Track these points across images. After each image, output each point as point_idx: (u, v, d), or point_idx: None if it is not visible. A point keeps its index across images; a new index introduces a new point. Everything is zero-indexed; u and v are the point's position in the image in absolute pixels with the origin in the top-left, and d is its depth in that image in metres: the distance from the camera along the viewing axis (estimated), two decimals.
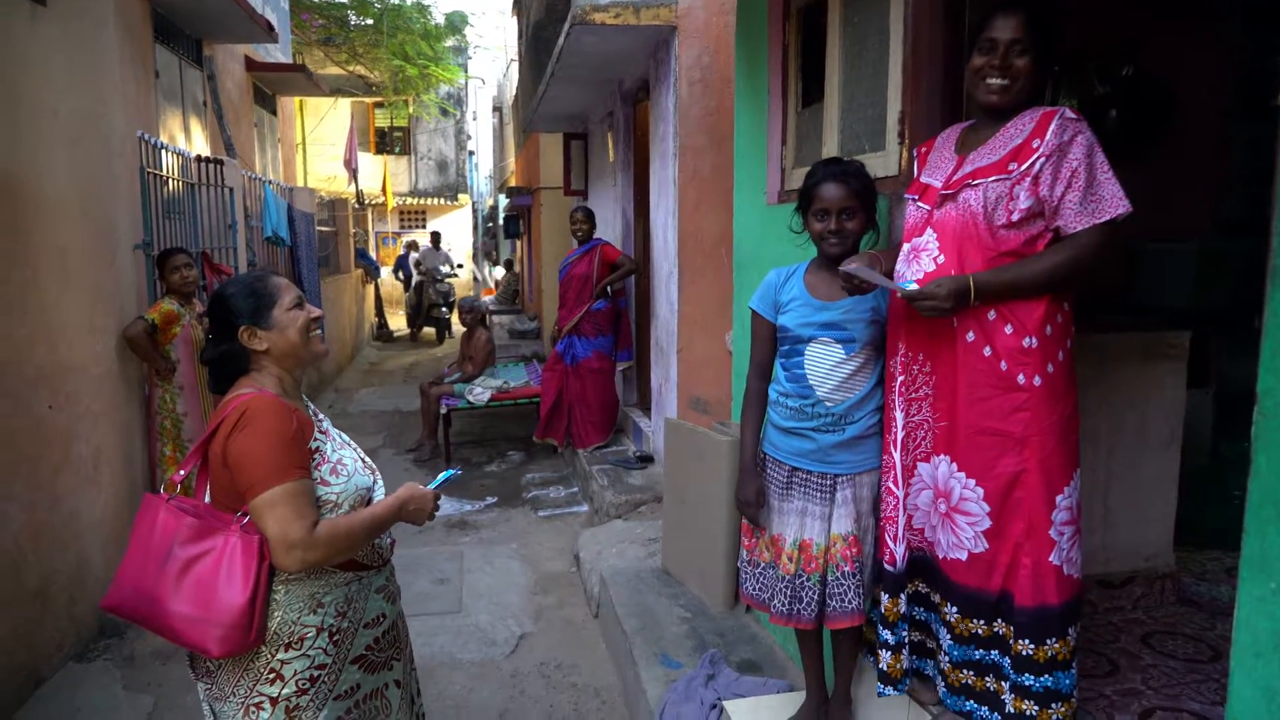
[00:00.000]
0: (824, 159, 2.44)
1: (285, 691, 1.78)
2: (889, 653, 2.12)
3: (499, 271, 18.07)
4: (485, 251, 25.39)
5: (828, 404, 2.22)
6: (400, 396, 9.85)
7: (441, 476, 2.14)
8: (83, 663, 3.67)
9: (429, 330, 15.49)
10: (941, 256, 2.02)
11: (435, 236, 16.26)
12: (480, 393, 6.86)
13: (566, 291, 6.31)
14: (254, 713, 1.78)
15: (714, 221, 4.94)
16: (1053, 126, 1.84)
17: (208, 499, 1.84)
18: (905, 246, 2.14)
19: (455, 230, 23.27)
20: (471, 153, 27.95)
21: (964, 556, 1.98)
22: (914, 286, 1.96)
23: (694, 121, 4.93)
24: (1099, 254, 1.85)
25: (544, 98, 7.41)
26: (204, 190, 5.90)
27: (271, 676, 1.78)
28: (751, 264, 3.66)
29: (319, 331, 1.95)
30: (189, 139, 6.75)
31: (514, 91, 14.45)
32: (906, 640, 2.12)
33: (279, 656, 1.78)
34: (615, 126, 6.79)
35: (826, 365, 2.22)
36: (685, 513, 3.91)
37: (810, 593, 2.25)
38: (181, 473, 1.82)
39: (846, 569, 2.21)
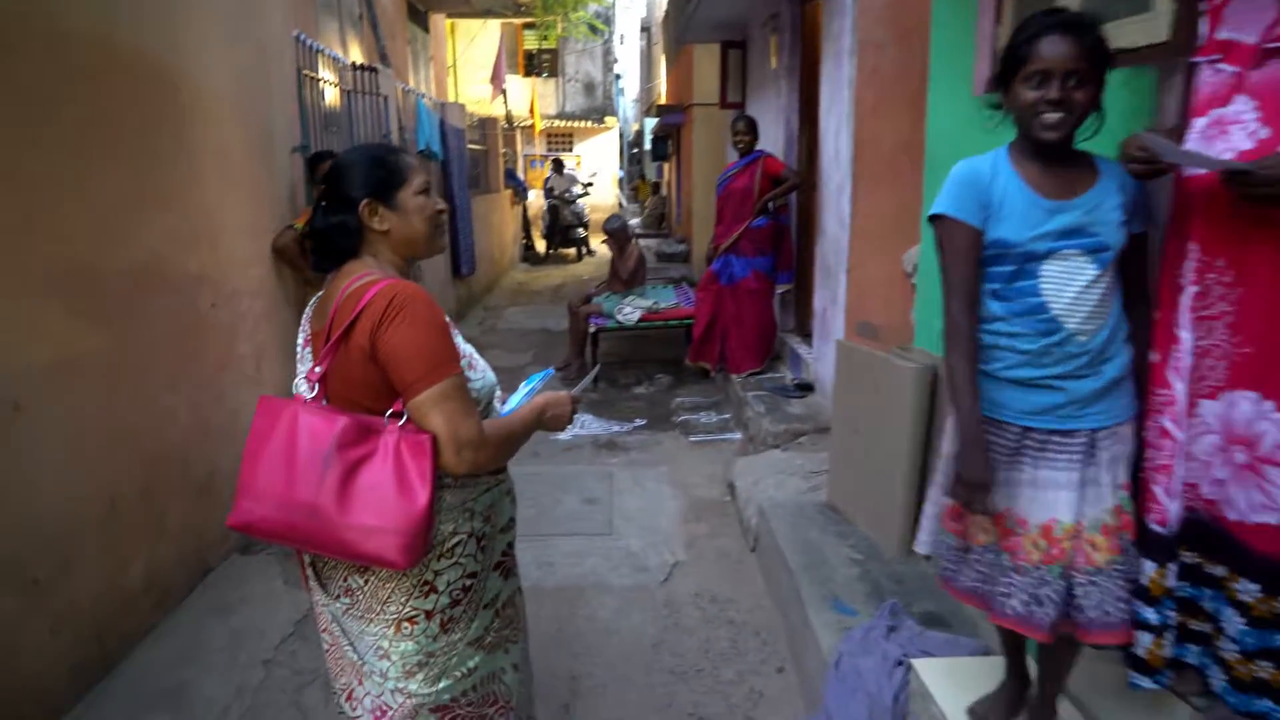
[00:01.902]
0: (1043, 10, 1.81)
1: (441, 603, 1.65)
2: (1150, 635, 1.69)
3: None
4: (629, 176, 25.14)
5: (1080, 339, 1.69)
6: (548, 316, 9.81)
7: (584, 382, 2.04)
8: (246, 555, 3.73)
9: (567, 250, 15.72)
10: (1264, 130, 1.53)
11: (557, 163, 16.21)
12: (630, 312, 6.63)
13: (724, 207, 5.91)
14: (407, 628, 1.63)
15: (895, 125, 4.40)
16: None
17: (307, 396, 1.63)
18: (1199, 122, 1.65)
19: (601, 154, 23.05)
20: (618, 75, 27.54)
21: (1275, 520, 1.53)
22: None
23: (876, 13, 4.37)
24: None
25: (701, 2, 6.92)
26: (359, 99, 5.83)
27: (425, 589, 1.63)
28: (948, 168, 3.17)
29: (443, 226, 1.77)
30: (345, 50, 6.71)
31: (663, 9, 13.89)
32: (1173, 622, 1.70)
33: (433, 567, 1.64)
34: (780, 29, 6.23)
35: (1075, 287, 1.68)
36: (857, 445, 3.54)
37: (1053, 590, 1.72)
38: (319, 369, 1.60)
39: (1109, 556, 1.69)
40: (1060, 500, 1.72)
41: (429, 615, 1.64)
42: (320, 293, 1.71)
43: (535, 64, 23.00)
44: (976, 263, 1.75)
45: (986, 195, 1.73)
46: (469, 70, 17.79)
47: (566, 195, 15.04)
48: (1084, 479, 1.71)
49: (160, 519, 3.16)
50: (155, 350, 3.16)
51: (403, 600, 1.63)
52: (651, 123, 23.80)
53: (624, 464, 5.08)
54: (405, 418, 1.55)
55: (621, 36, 28.69)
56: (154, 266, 3.16)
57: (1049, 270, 1.70)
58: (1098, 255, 1.69)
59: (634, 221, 16.11)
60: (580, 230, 15.31)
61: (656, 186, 17.53)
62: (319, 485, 1.49)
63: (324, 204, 1.66)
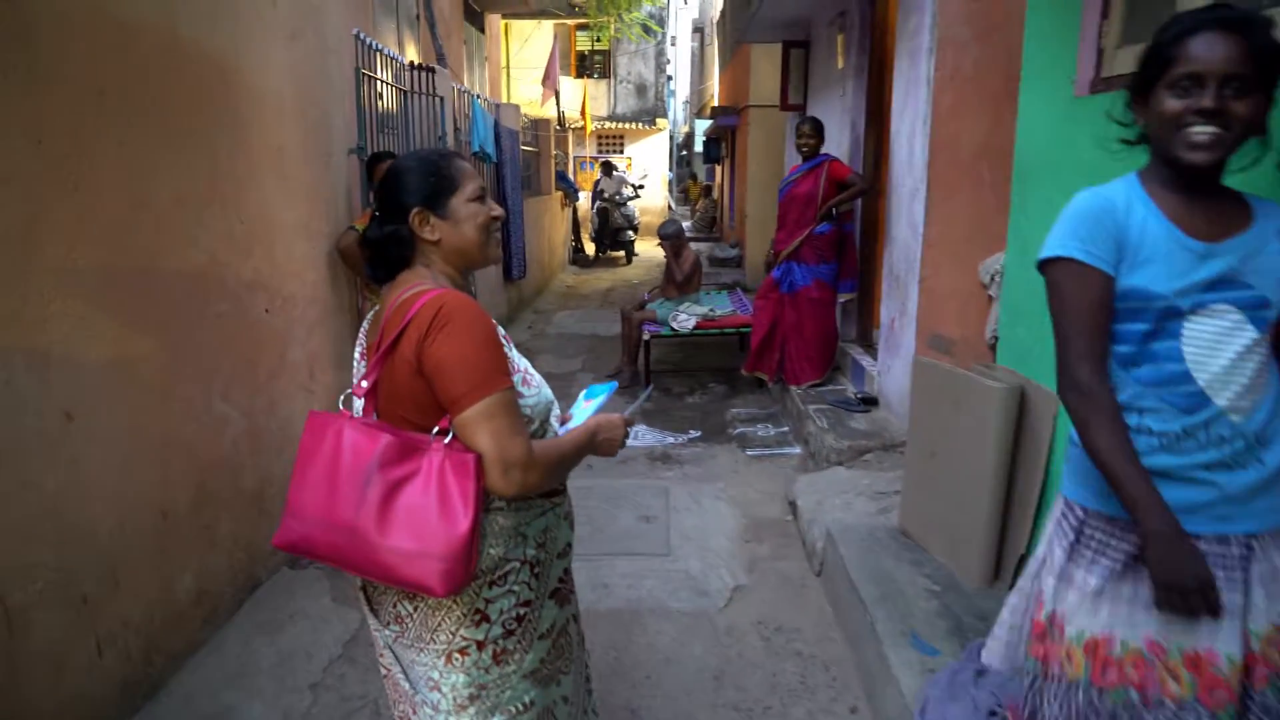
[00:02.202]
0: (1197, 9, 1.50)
1: (493, 633, 1.56)
2: None
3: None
4: (677, 179, 24.96)
5: (1233, 418, 1.40)
6: (598, 321, 9.69)
7: (640, 399, 1.97)
8: (295, 569, 3.65)
9: (616, 253, 15.74)
10: None
11: (607, 165, 16.20)
12: (685, 319, 6.47)
13: (786, 212, 5.71)
14: (458, 659, 1.55)
15: (975, 128, 4.17)
16: None
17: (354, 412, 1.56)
18: None
19: (652, 156, 22.91)
20: (670, 77, 27.40)
21: None
22: None
23: (958, 9, 4.14)
24: None
25: (765, 0, 6.73)
26: (415, 99, 5.75)
27: (476, 618, 1.54)
28: (1041, 174, 2.96)
29: (498, 234, 1.70)
30: (402, 50, 6.65)
31: (718, 9, 13.69)
32: None
33: (484, 595, 1.55)
34: (848, 27, 6.01)
35: (1227, 353, 1.39)
36: (933, 468, 3.32)
37: None
38: (365, 383, 1.52)
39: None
40: (1219, 625, 1.40)
41: (480, 646, 1.55)
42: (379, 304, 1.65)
43: (587, 65, 22.97)
44: (1109, 318, 1.45)
45: (1122, 234, 1.43)
46: (522, 72, 17.79)
47: (616, 198, 15.03)
48: (1247, 598, 1.41)
49: (211, 530, 3.08)
50: (209, 357, 3.08)
51: (453, 629, 1.54)
52: (703, 125, 23.63)
53: (680, 478, 4.92)
54: (452, 435, 1.46)
55: (673, 38, 28.56)
56: (210, 270, 3.08)
57: (1194, 330, 1.40)
58: (1257, 313, 1.39)
59: (685, 225, 15.96)
60: (630, 233, 15.35)
61: (708, 189, 17.32)
62: (359, 505, 1.42)
63: (378, 213, 1.61)
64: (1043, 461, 2.86)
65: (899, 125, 4.68)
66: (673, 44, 28.36)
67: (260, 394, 3.45)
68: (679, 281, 6.83)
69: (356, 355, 1.66)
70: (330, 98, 4.17)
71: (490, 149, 8.11)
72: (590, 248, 15.94)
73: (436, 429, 1.47)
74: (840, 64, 5.99)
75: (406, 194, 1.57)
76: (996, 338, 4.31)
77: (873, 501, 3.94)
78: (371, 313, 1.66)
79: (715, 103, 17.49)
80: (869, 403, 5.06)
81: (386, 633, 1.59)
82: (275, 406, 3.57)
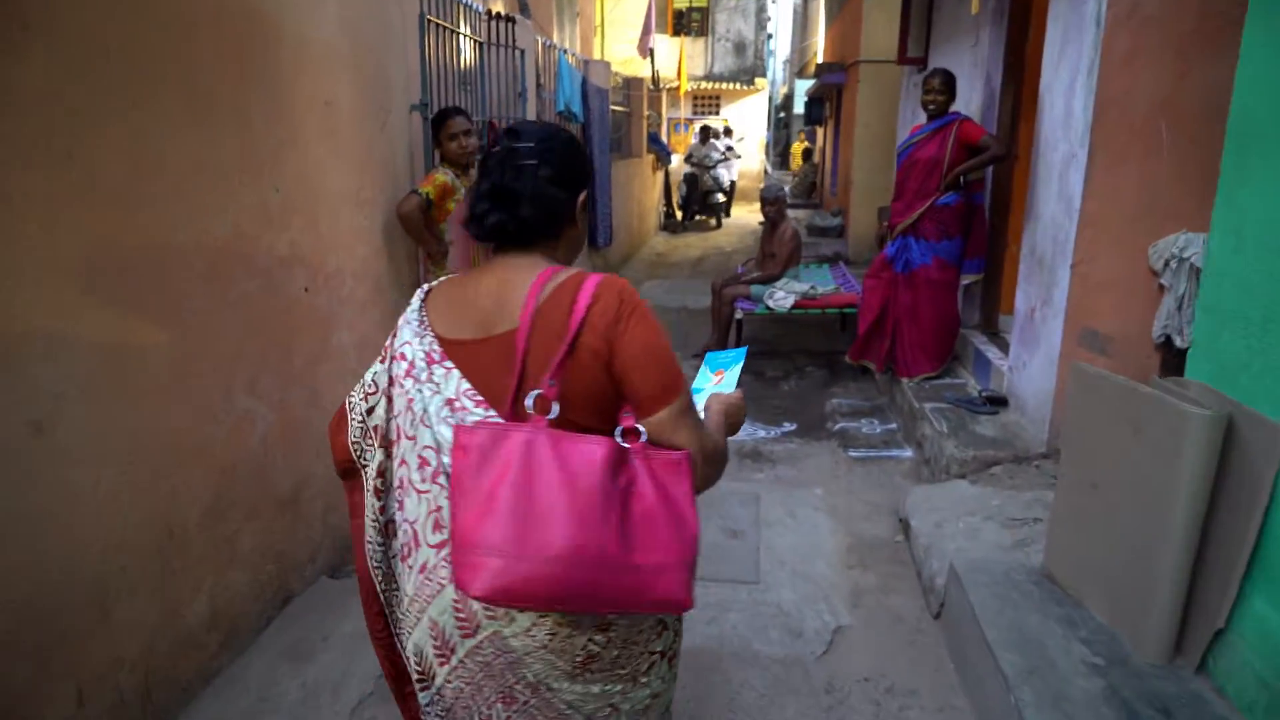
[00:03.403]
0: None
1: (671, 641, 1.48)
2: None
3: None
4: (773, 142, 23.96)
5: None
6: (687, 293, 9.11)
7: (733, 364, 1.74)
8: (336, 578, 3.27)
9: (707, 218, 15.48)
10: None
11: (704, 130, 15.97)
12: (783, 297, 5.84)
13: (906, 180, 5.00)
14: (645, 677, 1.43)
15: (1155, 80, 3.40)
16: None
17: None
18: None
19: (750, 117, 21.97)
20: (770, 35, 26.27)
21: None
22: None
23: None
24: None
25: None
26: (492, 51, 5.25)
27: (660, 629, 1.44)
28: (1273, 137, 2.24)
29: None
30: None
31: None
32: None
33: None
34: None
35: None
36: (1096, 503, 2.67)
37: None
38: (552, 382, 1.27)
39: None
40: None
41: (663, 656, 1.46)
42: (434, 285, 1.45)
43: (684, 22, 22.08)
44: None
45: None
46: (616, 30, 17.13)
47: (707, 161, 14.57)
48: None
49: (231, 543, 2.69)
50: (231, 344, 2.67)
51: (644, 648, 1.42)
52: (803, 85, 22.49)
53: (771, 481, 4.36)
54: (644, 436, 1.30)
55: None
56: (235, 246, 2.66)
57: None
58: None
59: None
60: (719, 195, 15.13)
61: (809, 153, 16.40)
62: (602, 525, 1.20)
63: (536, 167, 1.37)
64: (1258, 514, 2.18)
65: (1052, 78, 3.92)
66: (774, 1, 27.12)
67: (297, 384, 3.05)
68: (778, 256, 6.18)
69: (421, 355, 1.36)
70: (389, 47, 3.70)
71: (577, 108, 7.59)
72: (679, 214, 15.43)
73: (620, 429, 1.30)
74: (976, 7, 5.18)
75: (584, 170, 1.45)
76: (1167, 337, 3.57)
77: (1006, 530, 3.29)
78: (424, 291, 1.45)
79: (819, 60, 16.49)
80: (996, 403, 4.37)
81: (555, 677, 1.36)
82: (317, 398, 3.17)
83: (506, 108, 5.52)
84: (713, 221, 15.35)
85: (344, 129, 3.30)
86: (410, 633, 1.40)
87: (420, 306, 1.41)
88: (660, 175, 15.15)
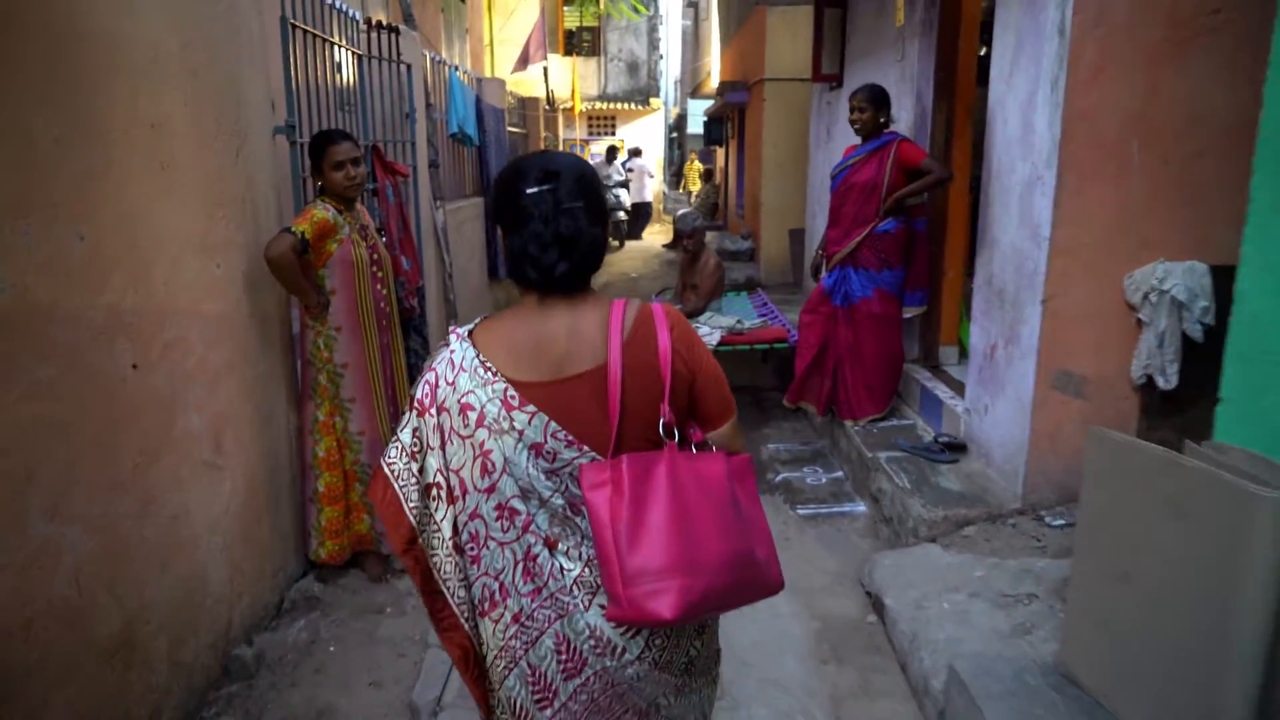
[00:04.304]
0: None
1: (716, 636, 1.57)
2: None
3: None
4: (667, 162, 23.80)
5: None
6: None
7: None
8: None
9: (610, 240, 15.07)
10: None
11: (612, 151, 15.76)
12: (708, 333, 5.35)
13: (841, 205, 4.59)
14: (716, 669, 1.58)
15: (1127, 94, 3.07)
16: None
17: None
18: None
19: (646, 138, 21.68)
20: (661, 56, 26.19)
21: None
22: None
23: None
24: None
25: None
26: (374, 66, 4.59)
27: (713, 624, 1.55)
28: None
29: None
30: (360, 3, 5.47)
31: None
32: None
33: None
34: None
35: None
36: (1128, 597, 2.23)
37: None
38: (667, 407, 1.36)
39: None
40: None
41: (719, 652, 1.59)
42: (474, 329, 1.42)
43: (576, 42, 21.68)
44: None
45: None
46: (508, 49, 16.53)
47: (607, 181, 14.22)
48: None
49: None
50: (19, 458, 1.95)
51: (715, 645, 1.57)
52: (697, 105, 22.38)
53: None
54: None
55: (664, 15, 27.27)
56: (18, 316, 1.95)
57: None
58: None
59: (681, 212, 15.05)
60: (619, 213, 14.86)
61: (709, 173, 16.17)
62: (740, 530, 1.35)
63: (583, 208, 1.38)
64: None
65: (1004, 93, 3.57)
66: (663, 21, 27.06)
67: (124, 492, 2.33)
68: (699, 288, 5.70)
69: (477, 391, 1.35)
70: (241, 56, 3.02)
71: (471, 129, 6.96)
72: None
73: (693, 443, 1.43)
74: (900, 19, 4.85)
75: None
76: (1148, 377, 3.23)
77: (999, 611, 2.86)
78: (464, 336, 1.40)
79: (713, 81, 16.33)
80: (955, 449, 3.97)
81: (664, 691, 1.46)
82: (153, 504, 2.45)
83: (392, 130, 4.86)
84: (614, 243, 14.92)
85: (182, 157, 2.61)
86: (498, 686, 1.42)
87: (476, 354, 1.37)
88: None
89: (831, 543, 3.88)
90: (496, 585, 1.38)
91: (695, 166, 19.98)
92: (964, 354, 4.96)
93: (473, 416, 1.33)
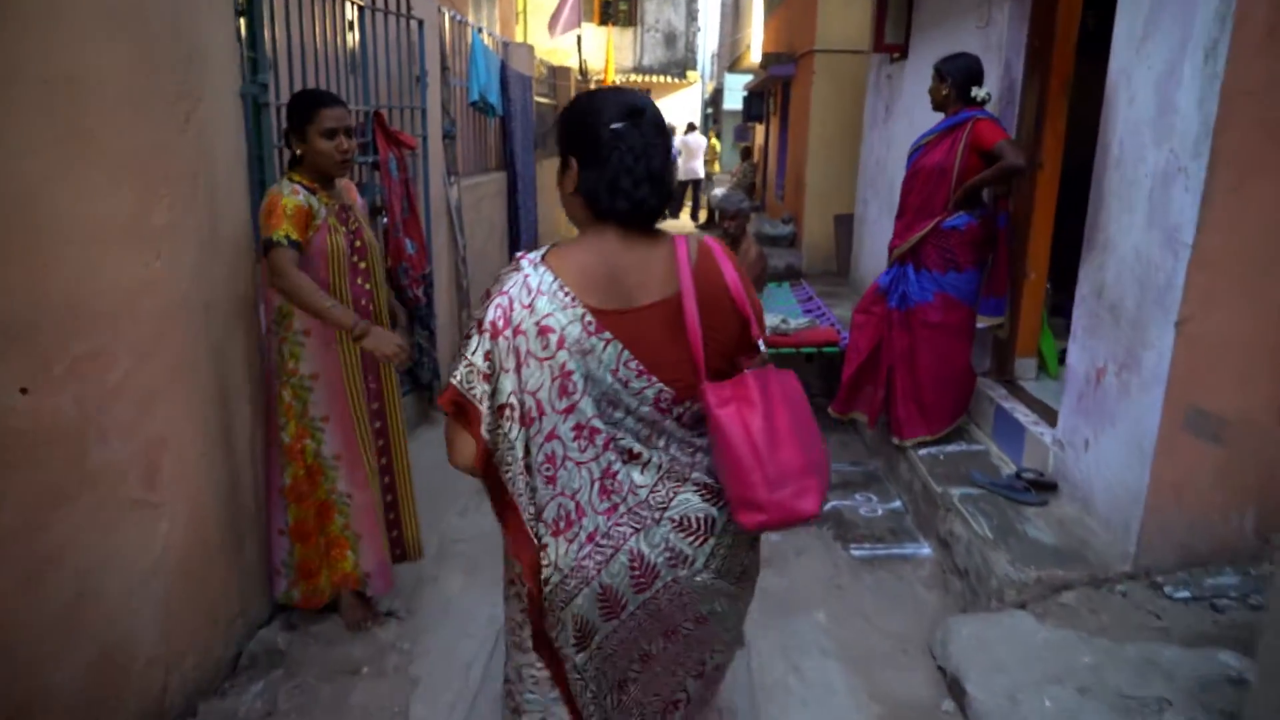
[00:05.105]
0: None
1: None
2: None
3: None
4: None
5: None
6: None
7: None
8: None
9: None
10: None
11: (690, 127, 15.01)
12: None
13: (909, 192, 3.96)
14: (756, 579, 1.67)
15: None
16: None
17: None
18: None
19: (682, 113, 20.95)
20: (699, 28, 25.36)
21: None
22: None
23: None
24: None
25: None
26: (378, 20, 4.01)
27: None
28: None
29: None
30: None
31: None
32: None
33: None
34: None
35: None
36: None
37: None
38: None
39: None
40: None
41: (759, 565, 1.68)
42: (546, 254, 1.44)
43: (612, 11, 20.96)
44: None
45: None
46: (541, 18, 15.84)
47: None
48: None
49: None
50: None
51: (759, 558, 1.64)
52: (734, 79, 21.53)
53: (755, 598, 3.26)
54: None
55: None
56: None
57: None
58: None
59: (717, 192, 14.29)
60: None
61: (747, 151, 15.45)
62: (820, 436, 1.48)
63: (663, 146, 1.44)
64: None
65: (1132, 62, 2.92)
66: None
67: (11, 548, 1.80)
68: None
69: (556, 314, 1.38)
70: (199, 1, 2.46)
71: (494, 99, 6.36)
72: None
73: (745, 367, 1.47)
74: None
75: None
76: None
77: (1124, 716, 2.26)
78: (537, 260, 1.43)
79: (753, 54, 15.57)
80: (1044, 488, 3.36)
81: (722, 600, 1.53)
82: (55, 560, 1.93)
83: (399, 95, 4.29)
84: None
85: (106, 122, 2.06)
86: (565, 605, 1.45)
87: (554, 278, 1.39)
88: None
89: (892, 595, 3.29)
90: (573, 505, 1.42)
91: (713, 144, 19.22)
92: (1043, 368, 4.33)
93: (553, 339, 1.36)
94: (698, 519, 1.46)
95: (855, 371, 4.22)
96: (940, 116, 3.89)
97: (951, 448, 3.96)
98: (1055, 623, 2.72)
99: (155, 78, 2.24)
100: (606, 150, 1.39)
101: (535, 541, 1.44)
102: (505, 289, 1.39)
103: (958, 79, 3.75)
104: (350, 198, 2.83)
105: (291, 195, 2.53)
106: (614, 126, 1.39)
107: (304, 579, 2.80)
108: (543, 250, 1.45)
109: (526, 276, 1.40)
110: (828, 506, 3.98)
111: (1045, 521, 3.19)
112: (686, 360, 1.40)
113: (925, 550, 3.58)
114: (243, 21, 2.79)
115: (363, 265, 2.77)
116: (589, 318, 1.37)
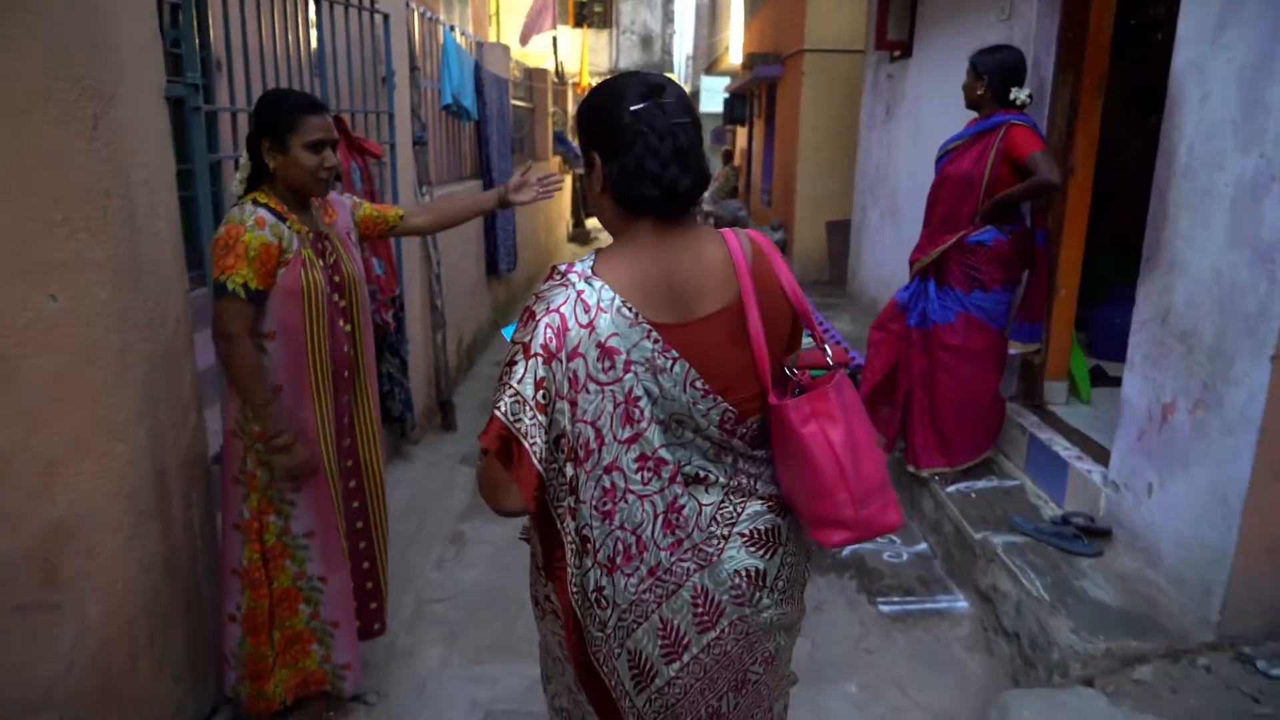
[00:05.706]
0: None
1: None
2: None
3: None
4: None
5: None
6: None
7: None
8: None
9: (592, 222, 14.25)
10: None
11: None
12: None
13: (935, 201, 3.59)
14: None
15: None
16: None
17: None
18: None
19: None
20: (675, 30, 25.04)
21: None
22: None
23: None
24: None
25: None
26: (339, 15, 3.58)
27: None
28: None
29: None
30: None
31: None
32: None
33: None
34: None
35: None
36: None
37: None
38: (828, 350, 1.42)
39: None
40: None
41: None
42: (596, 264, 1.31)
43: (587, 13, 20.58)
44: None
45: None
46: (515, 19, 15.38)
47: None
48: None
49: None
50: None
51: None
52: (711, 82, 21.18)
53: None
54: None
55: None
56: None
57: None
58: None
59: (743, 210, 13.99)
60: None
61: (728, 155, 15.11)
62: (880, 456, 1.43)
63: (689, 123, 1.30)
64: None
65: (1203, 55, 2.55)
66: None
67: None
68: None
69: (624, 333, 1.28)
70: None
71: (469, 101, 5.93)
72: (594, 221, 13.96)
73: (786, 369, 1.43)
74: None
75: None
76: None
77: None
78: (587, 274, 1.29)
79: (732, 55, 15.23)
80: (1095, 535, 2.99)
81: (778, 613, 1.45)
82: None
83: (363, 98, 3.85)
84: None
85: None
86: (622, 644, 1.36)
87: (614, 294, 1.27)
88: (568, 180, 13.56)
89: (930, 660, 2.91)
90: (633, 539, 1.32)
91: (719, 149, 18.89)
92: (1073, 391, 3.98)
93: (619, 360, 1.27)
94: (767, 530, 1.41)
95: (871, 392, 3.84)
96: (965, 117, 3.52)
97: (982, 483, 3.58)
98: (1133, 704, 2.34)
99: (50, 74, 1.80)
100: (629, 135, 1.27)
101: (571, 579, 1.37)
102: (555, 306, 1.26)
103: (995, 77, 3.36)
104: (327, 219, 2.39)
105: (255, 230, 2.09)
106: (634, 109, 1.27)
107: (251, 679, 2.35)
108: (588, 261, 1.33)
109: (581, 292, 1.28)
110: (845, 552, 3.59)
111: (1104, 576, 2.81)
112: (749, 373, 1.33)
113: (961, 603, 3.20)
114: (171, 9, 2.35)
115: (343, 304, 2.34)
116: (655, 334, 1.28)
